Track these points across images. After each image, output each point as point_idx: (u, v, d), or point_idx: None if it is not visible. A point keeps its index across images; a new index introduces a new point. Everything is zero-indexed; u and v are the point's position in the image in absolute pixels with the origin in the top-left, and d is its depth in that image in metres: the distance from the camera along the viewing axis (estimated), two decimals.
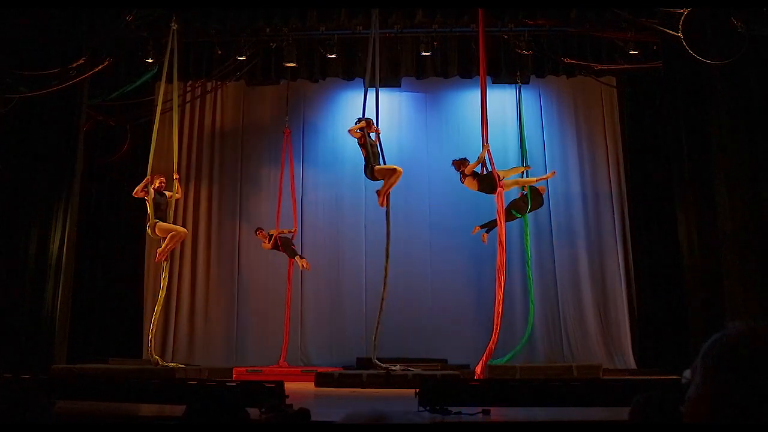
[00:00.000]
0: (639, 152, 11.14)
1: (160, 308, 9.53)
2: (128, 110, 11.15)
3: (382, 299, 9.00)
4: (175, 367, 9.12)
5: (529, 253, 10.55)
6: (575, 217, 11.48)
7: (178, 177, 9.68)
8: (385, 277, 9.00)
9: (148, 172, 9.27)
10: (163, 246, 9.39)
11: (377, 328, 8.99)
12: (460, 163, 9.53)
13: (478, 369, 8.82)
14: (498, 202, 9.13)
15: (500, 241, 8.91)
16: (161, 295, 9.54)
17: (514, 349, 10.14)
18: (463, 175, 9.43)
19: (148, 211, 9.21)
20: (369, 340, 9.39)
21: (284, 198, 11.43)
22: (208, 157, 12.04)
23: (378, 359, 9.12)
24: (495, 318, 8.88)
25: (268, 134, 12.08)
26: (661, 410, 2.03)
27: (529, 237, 10.58)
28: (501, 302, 8.87)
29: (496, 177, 9.18)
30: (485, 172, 9.33)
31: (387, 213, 9.15)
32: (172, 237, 9.37)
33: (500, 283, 8.88)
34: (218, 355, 11.15)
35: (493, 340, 8.89)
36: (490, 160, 9.17)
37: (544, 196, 10.69)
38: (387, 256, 9.04)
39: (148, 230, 9.38)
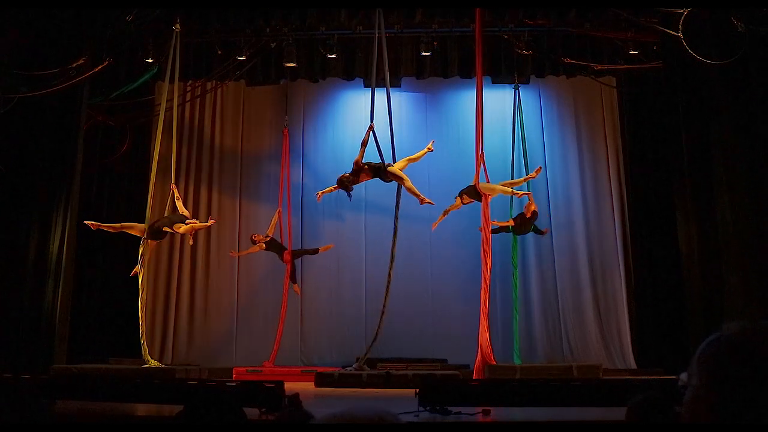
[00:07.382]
0: (639, 152, 11.13)
1: (144, 311, 9.72)
2: (128, 110, 11.15)
3: (384, 306, 9.27)
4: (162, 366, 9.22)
5: (516, 261, 10.68)
6: (575, 217, 11.46)
7: (174, 185, 9.88)
8: (388, 284, 9.42)
9: (152, 176, 9.73)
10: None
11: (378, 332, 9.24)
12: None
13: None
14: (484, 210, 9.47)
15: (484, 251, 9.38)
16: (142, 296, 9.65)
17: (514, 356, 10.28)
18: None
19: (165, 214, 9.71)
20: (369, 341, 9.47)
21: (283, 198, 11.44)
22: (208, 157, 12.03)
23: (377, 359, 9.15)
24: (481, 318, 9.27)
25: (268, 134, 12.07)
26: (657, 410, 2.04)
27: (516, 249, 10.69)
28: (486, 311, 9.30)
29: (478, 186, 9.41)
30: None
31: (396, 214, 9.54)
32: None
33: (485, 292, 9.34)
34: (218, 355, 11.14)
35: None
36: (477, 168, 9.42)
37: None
38: (392, 258, 9.31)
39: (167, 229, 9.61)
